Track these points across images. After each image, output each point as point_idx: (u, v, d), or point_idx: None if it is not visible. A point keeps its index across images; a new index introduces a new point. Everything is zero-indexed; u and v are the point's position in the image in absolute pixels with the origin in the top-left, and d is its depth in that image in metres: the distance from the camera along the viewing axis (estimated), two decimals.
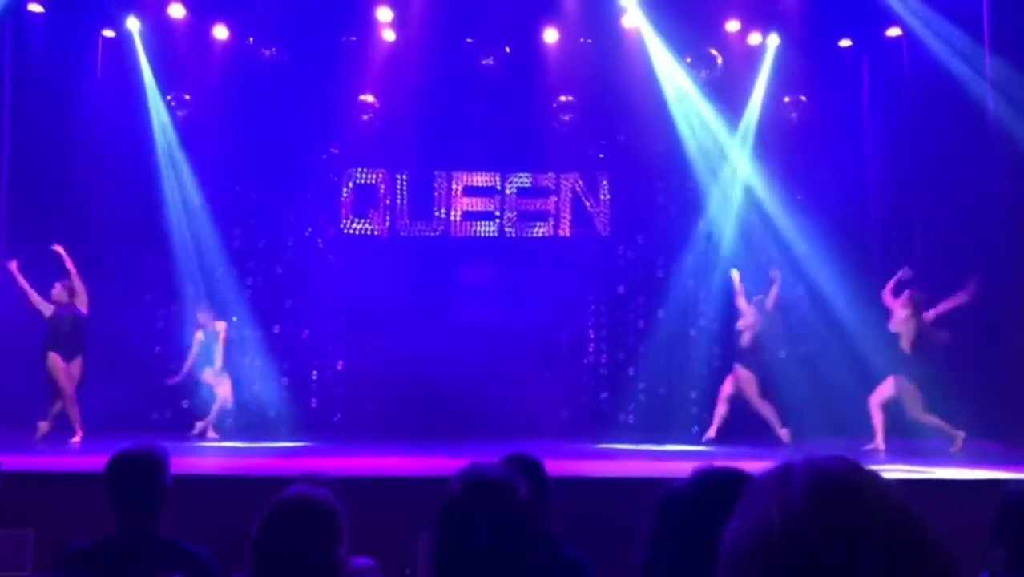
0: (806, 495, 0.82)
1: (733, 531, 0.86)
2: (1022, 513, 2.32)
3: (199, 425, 9.08)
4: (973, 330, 9.11)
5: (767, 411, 8.85)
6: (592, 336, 10.62)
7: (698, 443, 8.93)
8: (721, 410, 9.08)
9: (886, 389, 8.37)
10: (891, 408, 8.53)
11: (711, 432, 9.06)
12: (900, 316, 8.33)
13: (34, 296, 8.56)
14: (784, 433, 8.69)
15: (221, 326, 9.34)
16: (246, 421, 9.61)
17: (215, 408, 9.11)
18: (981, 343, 9.00)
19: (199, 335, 9.24)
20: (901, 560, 0.79)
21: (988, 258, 8.90)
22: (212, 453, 7.73)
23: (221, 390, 9.16)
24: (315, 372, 10.43)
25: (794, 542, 0.79)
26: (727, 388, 9.09)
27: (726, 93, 10.30)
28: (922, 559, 0.80)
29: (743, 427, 9.06)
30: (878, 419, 8.44)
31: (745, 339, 9.04)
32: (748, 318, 9.09)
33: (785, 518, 0.81)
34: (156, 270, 10.07)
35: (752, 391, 8.89)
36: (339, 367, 10.48)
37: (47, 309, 8.56)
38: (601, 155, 10.82)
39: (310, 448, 8.39)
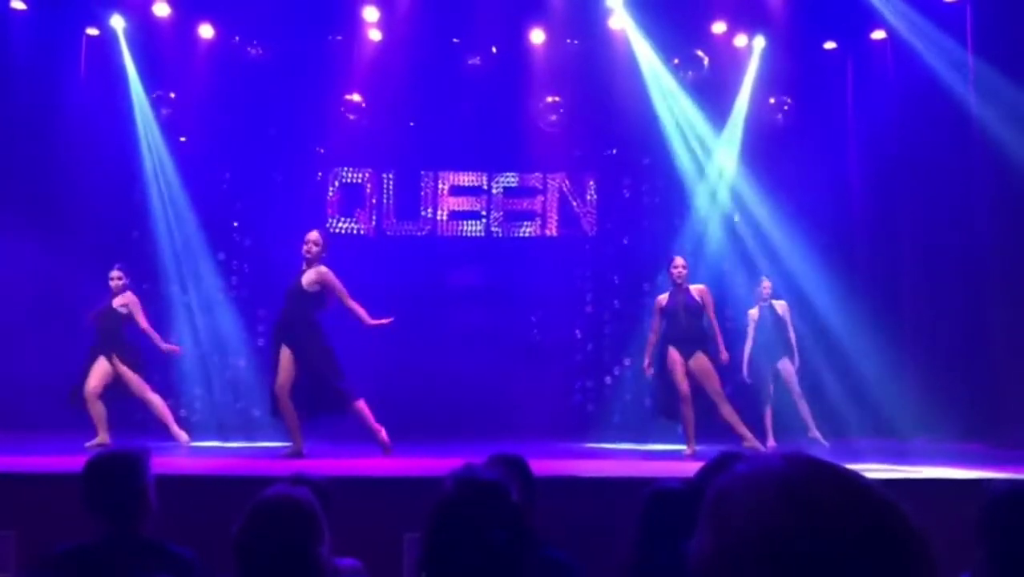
0: (781, 503, 0.82)
1: (706, 546, 0.85)
2: (1004, 513, 2.34)
3: None
4: (957, 332, 9.19)
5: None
6: (579, 336, 10.64)
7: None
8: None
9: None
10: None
11: None
12: None
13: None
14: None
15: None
16: (231, 421, 9.58)
17: None
18: (965, 345, 9.07)
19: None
20: (889, 550, 0.80)
21: (972, 259, 8.98)
22: (196, 453, 7.69)
23: None
24: None
25: (783, 550, 0.79)
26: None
27: (712, 94, 10.34)
28: (907, 547, 0.81)
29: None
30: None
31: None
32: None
33: (765, 529, 0.81)
34: (140, 269, 10.01)
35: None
36: None
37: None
38: (586, 155, 10.85)
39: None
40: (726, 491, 0.86)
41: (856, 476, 0.85)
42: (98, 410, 7.84)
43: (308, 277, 7.24)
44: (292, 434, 7.25)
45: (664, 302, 7.91)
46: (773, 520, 0.81)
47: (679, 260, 7.92)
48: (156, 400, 8.18)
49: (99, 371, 7.95)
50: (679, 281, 7.79)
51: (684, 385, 7.65)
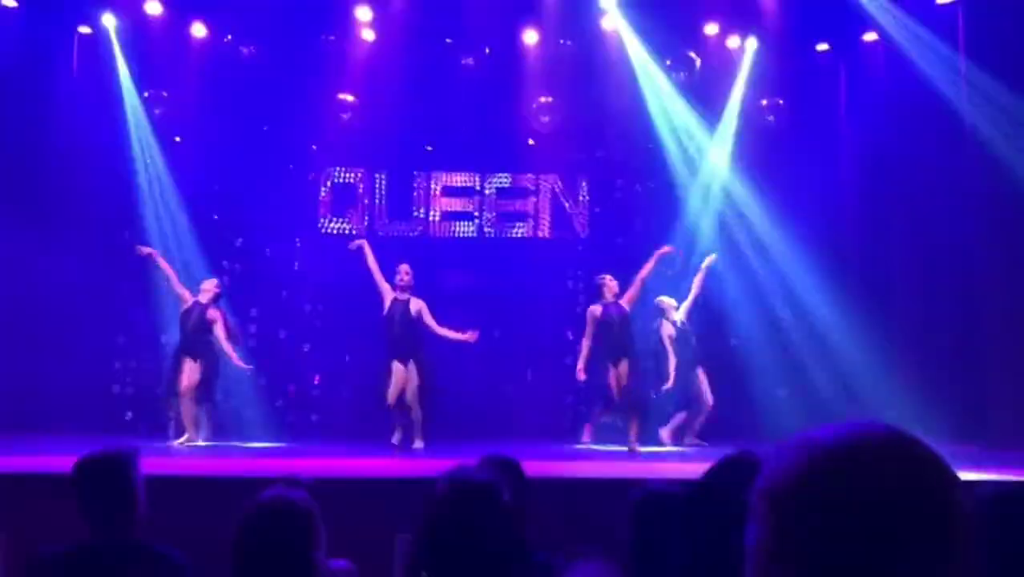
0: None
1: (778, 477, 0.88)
2: (994, 514, 2.35)
3: None
4: (949, 333, 9.21)
5: None
6: (571, 337, 10.62)
7: (674, 444, 8.95)
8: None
9: None
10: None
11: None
12: None
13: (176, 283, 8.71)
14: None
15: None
16: (221, 422, 9.55)
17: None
18: (957, 346, 9.10)
19: None
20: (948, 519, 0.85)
21: (964, 261, 9.00)
22: (188, 454, 7.67)
23: None
24: (291, 372, 10.37)
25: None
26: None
27: (705, 95, 10.35)
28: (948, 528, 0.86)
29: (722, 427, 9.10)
30: None
31: None
32: None
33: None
34: (131, 269, 9.98)
35: None
36: (316, 367, 10.43)
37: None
38: (580, 157, 10.85)
39: (286, 449, 8.34)
40: (782, 446, 0.91)
41: (929, 452, 0.92)
42: (189, 409, 8.25)
43: (415, 306, 8.47)
44: (416, 428, 8.34)
45: (599, 313, 8.54)
46: (812, 475, 0.85)
47: (608, 278, 8.63)
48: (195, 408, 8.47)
49: (189, 371, 8.36)
50: (611, 298, 8.52)
51: (616, 387, 8.40)
